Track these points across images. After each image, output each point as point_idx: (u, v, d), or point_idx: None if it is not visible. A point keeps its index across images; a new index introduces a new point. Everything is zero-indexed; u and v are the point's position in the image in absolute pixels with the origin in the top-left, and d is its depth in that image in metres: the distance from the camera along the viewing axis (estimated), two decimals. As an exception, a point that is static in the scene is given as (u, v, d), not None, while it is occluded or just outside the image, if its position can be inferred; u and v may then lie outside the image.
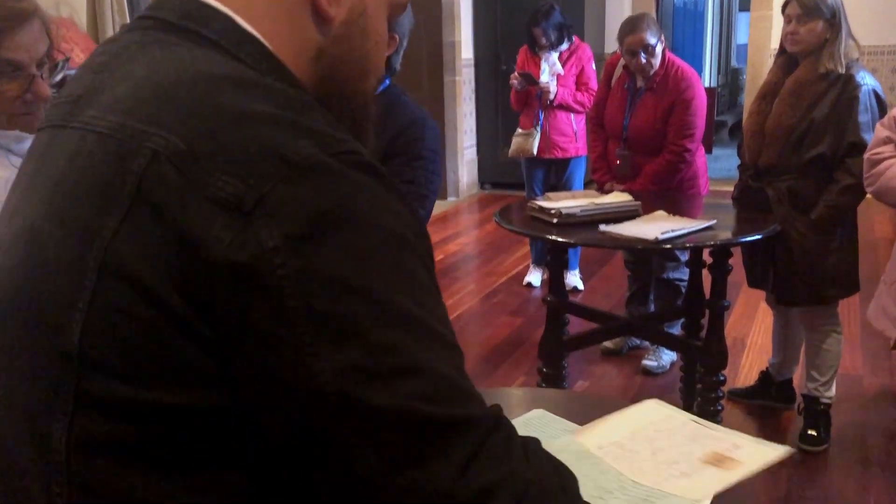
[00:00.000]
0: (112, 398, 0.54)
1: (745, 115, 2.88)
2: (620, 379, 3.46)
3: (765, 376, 3.14)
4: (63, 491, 0.56)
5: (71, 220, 0.57)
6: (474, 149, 7.65)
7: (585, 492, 1.07)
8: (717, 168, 9.07)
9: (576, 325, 3.21)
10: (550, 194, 2.96)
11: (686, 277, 3.12)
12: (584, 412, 1.40)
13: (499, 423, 0.60)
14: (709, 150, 10.24)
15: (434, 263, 0.63)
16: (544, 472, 0.62)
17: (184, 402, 0.54)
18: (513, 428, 0.61)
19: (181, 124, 0.57)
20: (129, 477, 0.55)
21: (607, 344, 3.66)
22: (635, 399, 3.33)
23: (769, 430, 3.00)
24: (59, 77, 1.50)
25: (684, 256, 3.20)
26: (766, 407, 3.13)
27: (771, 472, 2.68)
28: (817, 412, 2.84)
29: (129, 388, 0.54)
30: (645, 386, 3.40)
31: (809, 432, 2.82)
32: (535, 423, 1.32)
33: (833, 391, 2.86)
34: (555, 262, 2.72)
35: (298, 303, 0.53)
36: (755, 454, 1.18)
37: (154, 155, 0.55)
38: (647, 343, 3.56)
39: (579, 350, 3.46)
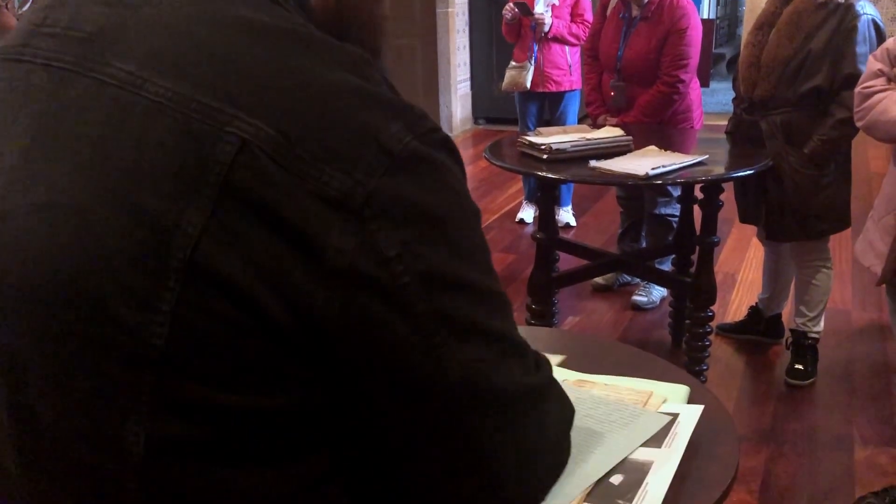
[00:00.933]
0: (194, 401, 0.52)
1: (742, 47, 2.81)
2: (611, 314, 3.48)
3: (754, 311, 3.16)
4: (139, 489, 0.53)
5: (134, 207, 0.50)
6: (468, 83, 7.52)
7: (576, 415, 1.09)
8: (714, 102, 8.96)
9: (567, 262, 3.21)
10: (542, 129, 2.92)
11: (677, 213, 3.10)
12: (567, 349, 1.40)
13: (553, 378, 0.72)
14: (705, 84, 10.12)
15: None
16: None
17: (269, 405, 0.53)
18: (557, 382, 0.73)
19: (260, 102, 0.52)
20: (207, 474, 0.53)
21: (598, 280, 3.67)
22: (625, 334, 3.36)
23: (757, 364, 3.03)
24: (27, 7, 1.44)
25: (676, 192, 3.17)
26: (754, 342, 3.15)
27: (756, 406, 2.72)
28: (805, 346, 2.86)
29: (214, 391, 0.51)
30: (635, 321, 3.42)
31: (796, 366, 2.85)
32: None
33: (821, 326, 2.88)
34: (545, 199, 2.70)
35: (426, 307, 0.54)
36: (668, 388, 1.21)
37: (243, 144, 0.50)
38: (638, 279, 3.56)
39: (570, 287, 3.48)
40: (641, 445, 1.06)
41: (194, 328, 0.50)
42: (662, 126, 3.10)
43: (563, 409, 0.73)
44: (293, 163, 0.50)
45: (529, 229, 4.67)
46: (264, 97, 0.52)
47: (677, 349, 3.08)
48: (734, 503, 2.24)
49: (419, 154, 0.55)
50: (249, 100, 0.51)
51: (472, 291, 0.57)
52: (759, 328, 3.14)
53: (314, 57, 0.55)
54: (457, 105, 7.33)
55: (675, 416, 1.13)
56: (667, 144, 2.67)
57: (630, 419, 1.12)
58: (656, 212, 3.31)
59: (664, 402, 1.18)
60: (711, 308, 2.63)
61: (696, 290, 2.61)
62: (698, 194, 2.71)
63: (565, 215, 4.63)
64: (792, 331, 2.91)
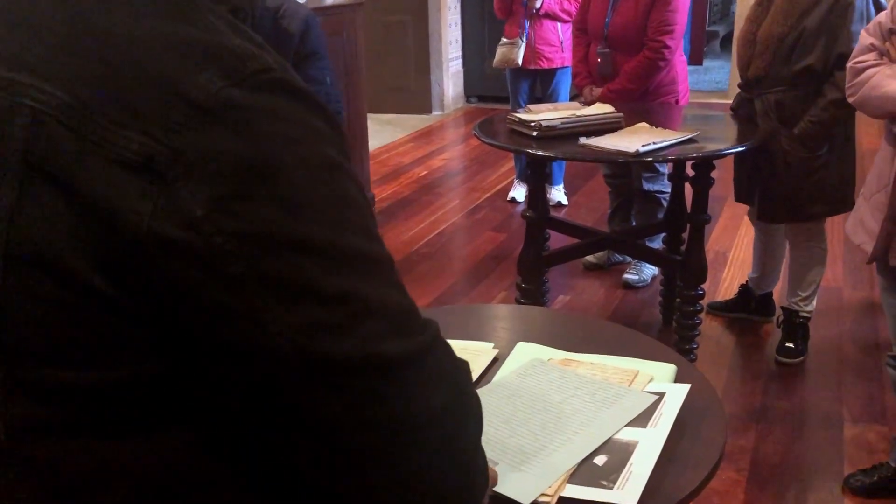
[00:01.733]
0: (44, 382, 0.51)
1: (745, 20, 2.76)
2: (602, 293, 3.46)
3: (744, 290, 3.14)
4: (8, 472, 0.54)
5: None
6: (460, 60, 7.45)
7: (551, 397, 1.06)
8: (707, 80, 8.90)
9: (558, 241, 3.18)
10: (532, 106, 2.88)
11: (667, 190, 3.08)
12: (552, 328, 1.39)
13: (436, 340, 0.61)
14: (699, 61, 10.05)
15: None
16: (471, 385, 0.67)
17: (120, 377, 0.52)
18: (446, 343, 0.63)
19: (55, 68, 0.50)
20: (73, 451, 0.53)
21: (590, 258, 3.65)
22: (616, 312, 3.34)
23: (747, 342, 3.02)
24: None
25: (664, 168, 3.15)
26: (744, 320, 3.14)
27: (746, 384, 2.71)
28: (795, 325, 2.85)
29: (63, 371, 0.51)
30: (625, 300, 3.40)
31: (787, 344, 2.85)
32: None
33: (813, 305, 2.87)
34: (535, 176, 2.67)
35: (242, 269, 0.50)
36: (654, 367, 1.18)
37: (35, 115, 0.49)
38: (629, 258, 3.54)
39: (562, 265, 3.46)
40: (626, 425, 1.05)
41: (25, 311, 0.50)
42: (647, 98, 3.07)
43: (451, 375, 0.62)
44: (88, 129, 0.48)
45: (521, 208, 4.63)
46: (59, 61, 0.50)
47: (668, 327, 3.07)
48: (722, 482, 2.24)
49: (235, 102, 0.50)
50: (46, 67, 0.50)
51: (307, 250, 0.52)
52: (749, 307, 3.12)
53: (123, 8, 0.52)
54: (448, 83, 7.26)
55: (661, 395, 1.11)
56: (658, 121, 2.64)
57: (615, 399, 1.10)
58: (644, 188, 3.28)
59: (650, 381, 1.16)
60: (702, 286, 2.61)
61: (686, 269, 2.59)
62: (690, 172, 2.68)
63: (557, 194, 4.61)
64: (783, 309, 2.90)
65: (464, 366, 0.68)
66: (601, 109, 2.67)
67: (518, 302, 2.71)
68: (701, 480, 0.97)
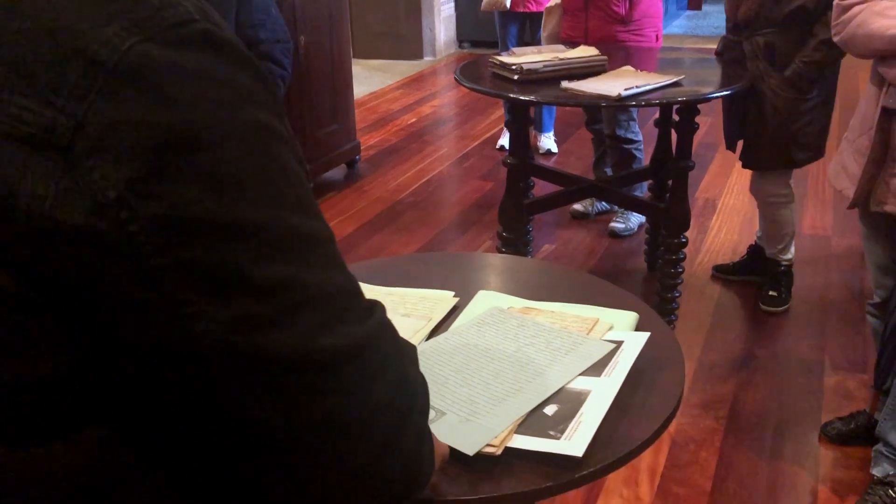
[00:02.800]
0: None
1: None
2: (587, 242, 3.43)
3: (753, 250, 2.99)
4: None
5: None
6: (452, 4, 7.28)
7: (506, 346, 1.03)
8: (706, 25, 8.76)
9: (545, 189, 3.13)
10: (515, 49, 2.80)
11: (638, 139, 3.04)
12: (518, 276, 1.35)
13: (380, 325, 0.57)
14: (698, 6, 9.86)
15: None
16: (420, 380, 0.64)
17: (34, 377, 0.46)
18: (391, 327, 0.60)
19: None
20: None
21: (576, 207, 3.61)
22: (601, 261, 3.31)
23: (732, 290, 2.99)
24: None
25: (634, 114, 3.12)
26: (745, 281, 3.03)
27: (729, 332, 2.70)
28: (778, 273, 2.82)
29: None
30: (611, 249, 3.37)
31: (770, 293, 2.82)
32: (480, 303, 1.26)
33: (791, 253, 2.82)
34: (516, 122, 2.60)
35: (162, 260, 0.44)
36: (615, 315, 1.15)
37: None
38: (616, 206, 3.50)
39: (549, 213, 3.41)
40: (581, 374, 1.01)
41: None
42: (631, 29, 2.98)
43: (395, 363, 0.58)
44: None
45: (510, 156, 4.58)
46: None
47: (652, 275, 3.04)
48: (700, 430, 2.23)
49: (149, 60, 0.44)
50: None
51: (239, 234, 0.46)
52: (756, 269, 2.94)
53: None
54: (440, 28, 7.11)
55: (619, 343, 1.08)
56: (643, 65, 2.57)
57: (571, 347, 1.07)
58: (617, 133, 3.20)
59: (610, 329, 1.13)
60: (685, 234, 2.57)
61: (669, 217, 2.55)
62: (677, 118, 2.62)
63: (547, 142, 4.54)
64: (766, 259, 2.86)
65: (409, 351, 0.64)
66: (585, 52, 2.59)
67: (498, 251, 2.68)
68: (653, 431, 0.94)
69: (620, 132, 3.19)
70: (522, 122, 2.63)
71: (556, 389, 0.98)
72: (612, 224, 3.46)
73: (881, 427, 1.88)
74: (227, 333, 0.46)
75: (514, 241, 2.64)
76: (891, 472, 1.85)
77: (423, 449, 0.63)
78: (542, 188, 3.12)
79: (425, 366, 1.04)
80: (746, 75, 2.46)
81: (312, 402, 0.51)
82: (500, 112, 5.06)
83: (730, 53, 2.62)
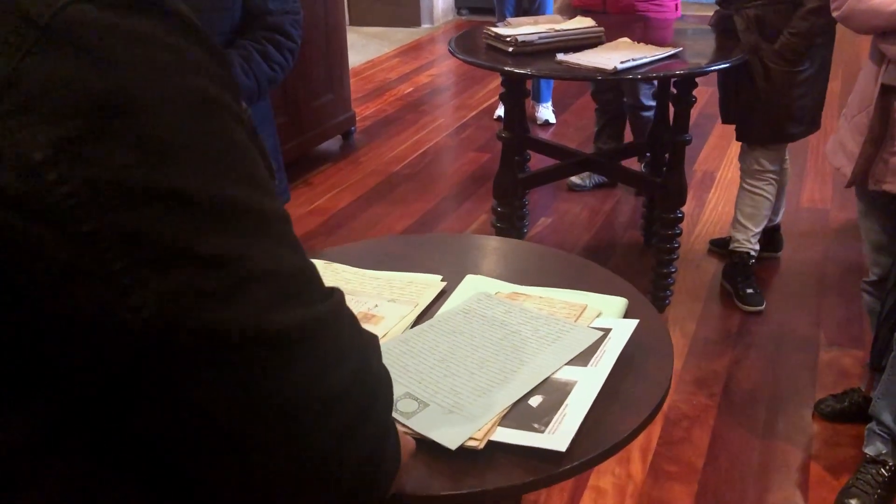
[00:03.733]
0: None
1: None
2: (584, 215, 3.40)
3: None
4: None
5: None
6: (450, -29, 7.17)
7: (492, 334, 1.01)
8: (709, -9, 8.60)
9: (542, 162, 3.09)
10: (511, 20, 2.75)
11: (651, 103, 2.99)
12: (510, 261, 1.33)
13: (339, 310, 0.55)
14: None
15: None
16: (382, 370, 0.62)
17: None
18: (352, 315, 0.57)
19: None
20: None
21: (573, 179, 3.58)
22: (597, 235, 3.28)
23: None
24: None
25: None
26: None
27: (725, 308, 2.68)
28: (750, 267, 2.72)
29: None
30: (607, 222, 3.34)
31: (748, 290, 2.69)
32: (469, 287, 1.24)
33: (749, 241, 2.70)
34: (511, 95, 2.56)
35: (95, 225, 0.42)
36: (604, 301, 1.13)
37: None
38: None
39: (545, 186, 3.38)
40: (568, 364, 1.00)
41: None
42: (640, 16, 2.93)
43: (356, 351, 0.56)
44: None
45: (507, 127, 4.53)
46: None
47: (648, 250, 3.02)
48: (693, 407, 2.23)
49: (88, 20, 0.42)
50: None
51: (179, 201, 0.44)
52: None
53: None
54: (438, -5, 7.00)
55: (607, 331, 1.06)
56: (641, 36, 2.52)
57: (558, 335, 1.05)
58: (643, 102, 3.15)
59: (598, 315, 1.11)
60: (681, 209, 2.54)
61: (665, 191, 2.52)
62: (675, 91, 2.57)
63: (545, 112, 4.49)
64: (734, 252, 2.72)
65: (372, 341, 0.61)
66: (581, 24, 2.54)
67: (493, 226, 2.65)
68: (639, 423, 0.93)
69: (644, 100, 3.14)
70: (518, 95, 2.58)
71: (541, 380, 0.97)
72: (572, 178, 3.49)
73: (875, 405, 1.87)
74: (166, 305, 0.44)
75: (509, 216, 2.62)
76: (883, 451, 1.85)
77: (386, 445, 0.60)
78: (538, 160, 3.08)
79: (410, 354, 1.03)
80: (742, 47, 2.41)
81: (260, 382, 0.48)
82: (497, 81, 4.98)
83: (722, 25, 2.57)
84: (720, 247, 3.02)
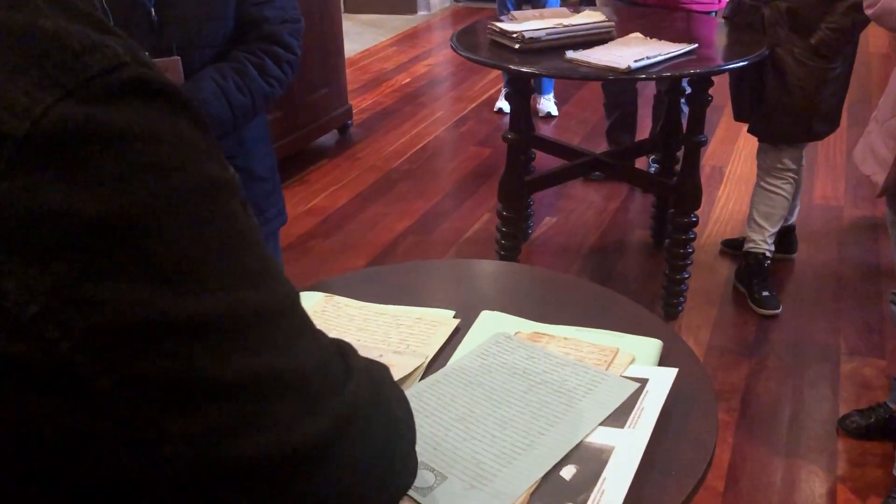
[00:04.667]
0: None
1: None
2: (590, 214, 3.29)
3: None
4: None
5: None
6: (447, -44, 7.01)
7: (514, 386, 0.90)
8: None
9: (545, 159, 2.97)
10: (516, 14, 2.62)
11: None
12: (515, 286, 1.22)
13: (360, 390, 0.49)
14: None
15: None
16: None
17: None
18: (374, 383, 0.52)
19: None
20: None
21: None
22: (604, 235, 3.17)
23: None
24: None
25: None
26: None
27: (740, 315, 2.58)
28: (767, 269, 2.62)
29: None
30: (615, 222, 3.23)
31: (764, 293, 2.59)
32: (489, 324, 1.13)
33: (765, 241, 2.61)
34: (517, 95, 2.44)
35: (110, 381, 0.36)
36: (637, 344, 1.02)
37: None
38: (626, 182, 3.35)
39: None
40: (601, 424, 0.89)
41: None
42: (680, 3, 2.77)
43: (381, 442, 0.51)
44: None
45: (507, 121, 4.40)
46: None
47: (658, 251, 2.91)
48: (711, 423, 2.13)
49: (70, 125, 0.34)
50: None
51: (200, 330, 0.38)
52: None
53: None
54: (434, -19, 6.85)
55: (644, 382, 0.95)
56: (653, 31, 2.39)
57: (590, 387, 0.94)
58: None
59: (632, 362, 1.00)
60: (695, 213, 2.43)
61: (679, 194, 2.41)
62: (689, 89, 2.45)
63: (547, 104, 4.37)
64: (749, 253, 2.63)
65: (402, 402, 0.58)
66: (590, 18, 2.42)
67: (498, 230, 2.54)
68: (686, 495, 0.82)
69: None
70: (524, 94, 2.46)
71: (574, 444, 0.86)
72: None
73: (905, 426, 1.77)
74: (197, 449, 0.39)
75: (514, 220, 2.51)
76: (915, 474, 1.76)
77: None
78: (542, 157, 2.96)
79: (423, 413, 0.92)
80: (764, 42, 2.29)
81: (296, 494, 0.44)
82: (496, 72, 4.86)
83: (744, 18, 2.45)
84: (733, 248, 2.91)
